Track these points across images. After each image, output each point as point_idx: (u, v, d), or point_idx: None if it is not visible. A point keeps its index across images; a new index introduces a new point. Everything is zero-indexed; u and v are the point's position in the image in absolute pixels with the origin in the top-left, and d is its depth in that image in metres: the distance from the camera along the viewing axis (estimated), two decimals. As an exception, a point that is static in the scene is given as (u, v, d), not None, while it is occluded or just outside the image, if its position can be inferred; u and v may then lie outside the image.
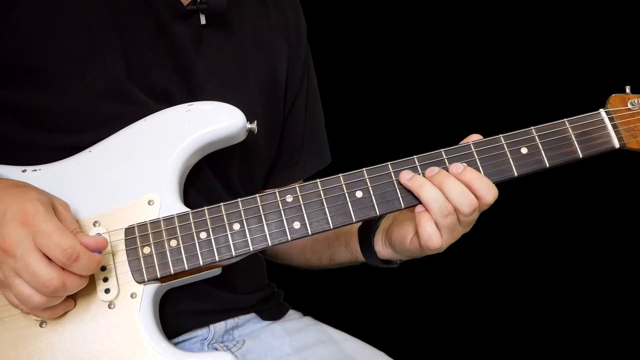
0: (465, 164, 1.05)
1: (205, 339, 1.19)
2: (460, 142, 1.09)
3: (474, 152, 1.07)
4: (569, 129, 1.09)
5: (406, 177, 1.04)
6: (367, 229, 1.20)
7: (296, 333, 1.27)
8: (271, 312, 1.30)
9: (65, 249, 0.88)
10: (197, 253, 1.02)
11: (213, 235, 1.03)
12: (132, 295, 1.01)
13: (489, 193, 1.02)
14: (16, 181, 1.00)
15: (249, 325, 1.26)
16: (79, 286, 0.94)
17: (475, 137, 1.09)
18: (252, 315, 1.27)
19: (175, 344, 1.12)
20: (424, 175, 1.04)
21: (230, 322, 1.22)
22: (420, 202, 1.04)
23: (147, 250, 1.02)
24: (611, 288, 2.27)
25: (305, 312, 1.37)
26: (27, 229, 0.89)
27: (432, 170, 1.04)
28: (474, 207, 1.02)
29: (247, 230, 1.03)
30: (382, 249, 1.17)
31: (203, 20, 1.17)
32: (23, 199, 0.91)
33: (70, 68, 1.07)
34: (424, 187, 1.02)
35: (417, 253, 1.10)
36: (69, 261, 0.89)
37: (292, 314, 1.34)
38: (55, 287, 0.89)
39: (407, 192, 1.05)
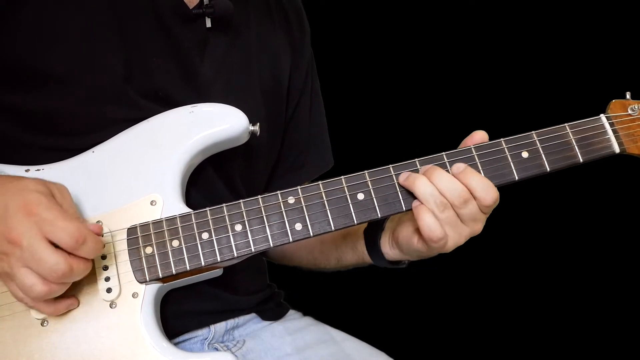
0: (466, 165, 1.05)
1: (206, 339, 1.19)
2: (465, 139, 1.09)
3: (475, 156, 1.07)
4: (570, 133, 1.09)
5: (402, 177, 1.05)
6: (373, 231, 1.20)
7: (296, 333, 1.28)
8: (271, 312, 1.30)
9: (72, 232, 0.90)
10: (199, 253, 1.03)
11: (215, 236, 1.03)
12: (134, 295, 1.02)
13: (487, 195, 1.02)
14: (10, 176, 1.00)
15: (250, 325, 1.26)
16: (85, 271, 0.94)
17: (479, 134, 1.09)
18: (253, 315, 1.27)
19: (176, 344, 1.12)
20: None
21: (231, 322, 1.23)
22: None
23: (149, 250, 1.03)
24: (611, 292, 2.28)
25: (306, 312, 1.37)
26: (32, 218, 0.90)
27: (426, 167, 1.05)
28: (465, 198, 1.02)
29: (249, 231, 1.04)
30: (389, 250, 1.17)
31: (208, 24, 1.17)
32: (23, 191, 0.92)
33: (73, 71, 1.07)
34: (417, 183, 1.02)
35: (425, 252, 1.10)
36: (77, 244, 0.90)
37: (292, 314, 1.35)
38: (63, 271, 0.90)
39: (409, 194, 1.05)
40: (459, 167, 1.04)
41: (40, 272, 0.90)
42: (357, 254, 1.25)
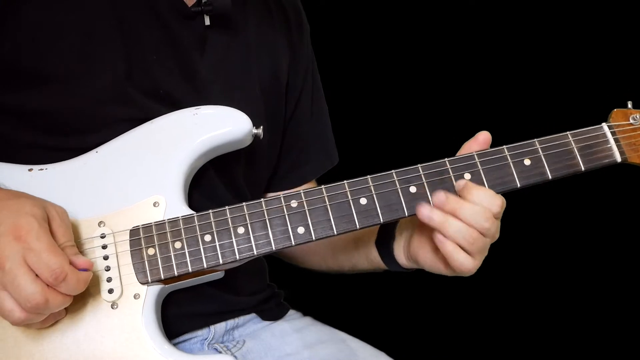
0: (465, 180, 1.04)
1: (206, 339, 1.19)
2: (469, 141, 1.10)
3: (478, 163, 1.07)
4: (572, 142, 1.09)
5: (425, 212, 1.01)
6: (385, 242, 1.19)
7: (296, 333, 1.28)
8: (271, 313, 1.30)
9: (54, 269, 0.89)
10: (202, 256, 1.03)
11: (217, 239, 1.03)
12: (136, 296, 1.02)
13: (493, 205, 1.02)
14: (12, 192, 0.99)
15: (249, 326, 1.27)
16: (62, 305, 0.93)
17: (483, 135, 1.09)
18: (253, 315, 1.28)
19: (175, 344, 1.13)
20: (430, 202, 1.03)
21: (231, 322, 1.23)
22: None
23: (151, 251, 1.03)
24: (610, 299, 2.29)
25: (306, 312, 1.37)
26: (19, 244, 0.89)
27: (439, 198, 1.02)
28: (488, 217, 1.01)
29: (251, 235, 1.04)
30: (406, 262, 1.17)
31: (207, 21, 1.17)
32: (18, 213, 0.91)
33: (73, 71, 1.07)
34: (446, 224, 1.00)
35: (451, 274, 1.11)
36: (57, 281, 0.89)
37: (292, 314, 1.35)
38: (37, 302, 0.89)
39: (411, 199, 1.05)
40: (460, 184, 1.04)
41: (16, 298, 0.89)
42: (371, 263, 1.25)
